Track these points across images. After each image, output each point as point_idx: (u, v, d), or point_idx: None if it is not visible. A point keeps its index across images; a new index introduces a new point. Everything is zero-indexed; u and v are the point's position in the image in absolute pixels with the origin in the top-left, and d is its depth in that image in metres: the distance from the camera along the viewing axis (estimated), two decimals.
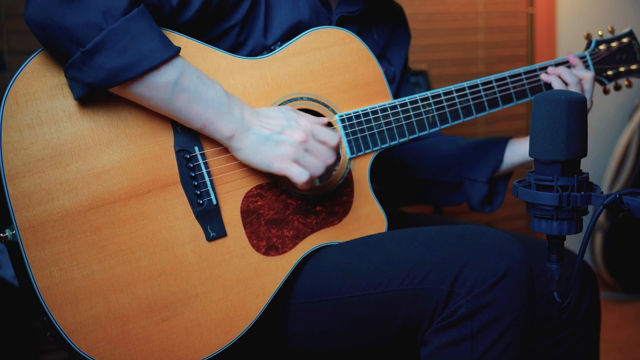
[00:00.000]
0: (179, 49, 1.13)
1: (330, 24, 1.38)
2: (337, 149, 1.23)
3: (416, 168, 1.61)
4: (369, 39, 1.46)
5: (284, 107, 1.22)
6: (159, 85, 1.11)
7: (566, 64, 1.49)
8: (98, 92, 1.12)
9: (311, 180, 1.20)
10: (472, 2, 2.85)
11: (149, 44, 1.09)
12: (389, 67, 1.49)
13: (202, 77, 1.15)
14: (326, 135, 1.21)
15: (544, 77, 1.46)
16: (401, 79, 1.56)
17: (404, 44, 1.57)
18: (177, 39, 1.19)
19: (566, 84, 1.44)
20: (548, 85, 1.47)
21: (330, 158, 1.21)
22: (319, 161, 1.20)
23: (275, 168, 1.18)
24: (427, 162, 1.59)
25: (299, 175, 1.18)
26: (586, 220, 2.48)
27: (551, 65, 1.48)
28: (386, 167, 1.65)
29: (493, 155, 1.52)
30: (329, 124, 1.31)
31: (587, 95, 1.45)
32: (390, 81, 1.46)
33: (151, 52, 1.09)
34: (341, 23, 1.39)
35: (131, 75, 1.09)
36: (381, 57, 1.49)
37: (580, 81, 1.45)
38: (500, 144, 1.52)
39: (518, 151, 1.51)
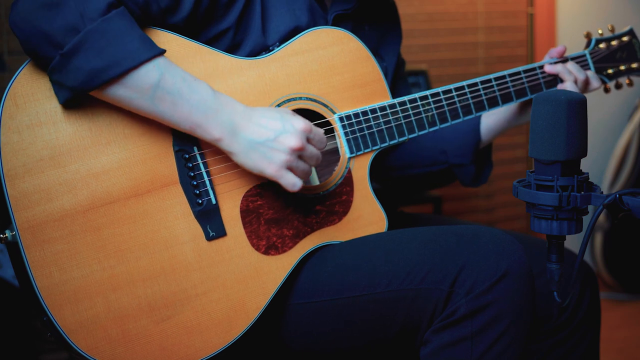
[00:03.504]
0: (161, 51, 1.11)
1: (326, 23, 1.37)
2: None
3: (403, 168, 1.60)
4: (362, 36, 1.45)
5: (281, 109, 1.20)
6: (140, 87, 1.09)
7: (564, 62, 1.49)
8: (83, 96, 1.11)
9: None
10: (472, 2, 2.85)
11: (127, 45, 1.07)
12: (381, 63, 1.48)
13: (188, 78, 1.13)
14: (321, 137, 1.20)
15: (548, 68, 1.46)
16: (395, 74, 1.56)
17: (396, 40, 1.56)
18: (174, 39, 1.19)
19: (564, 80, 1.45)
20: (548, 84, 1.47)
21: (319, 161, 1.20)
22: (310, 166, 1.19)
23: (268, 174, 1.16)
24: (412, 160, 1.59)
25: (292, 186, 1.16)
26: (586, 220, 2.48)
27: (548, 63, 1.48)
28: (377, 172, 1.65)
29: (470, 137, 1.52)
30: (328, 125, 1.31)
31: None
32: None
33: (130, 53, 1.07)
34: (336, 21, 1.39)
35: (110, 76, 1.07)
36: (374, 53, 1.49)
37: (576, 80, 1.45)
38: (474, 123, 1.52)
39: (492, 126, 1.51)
